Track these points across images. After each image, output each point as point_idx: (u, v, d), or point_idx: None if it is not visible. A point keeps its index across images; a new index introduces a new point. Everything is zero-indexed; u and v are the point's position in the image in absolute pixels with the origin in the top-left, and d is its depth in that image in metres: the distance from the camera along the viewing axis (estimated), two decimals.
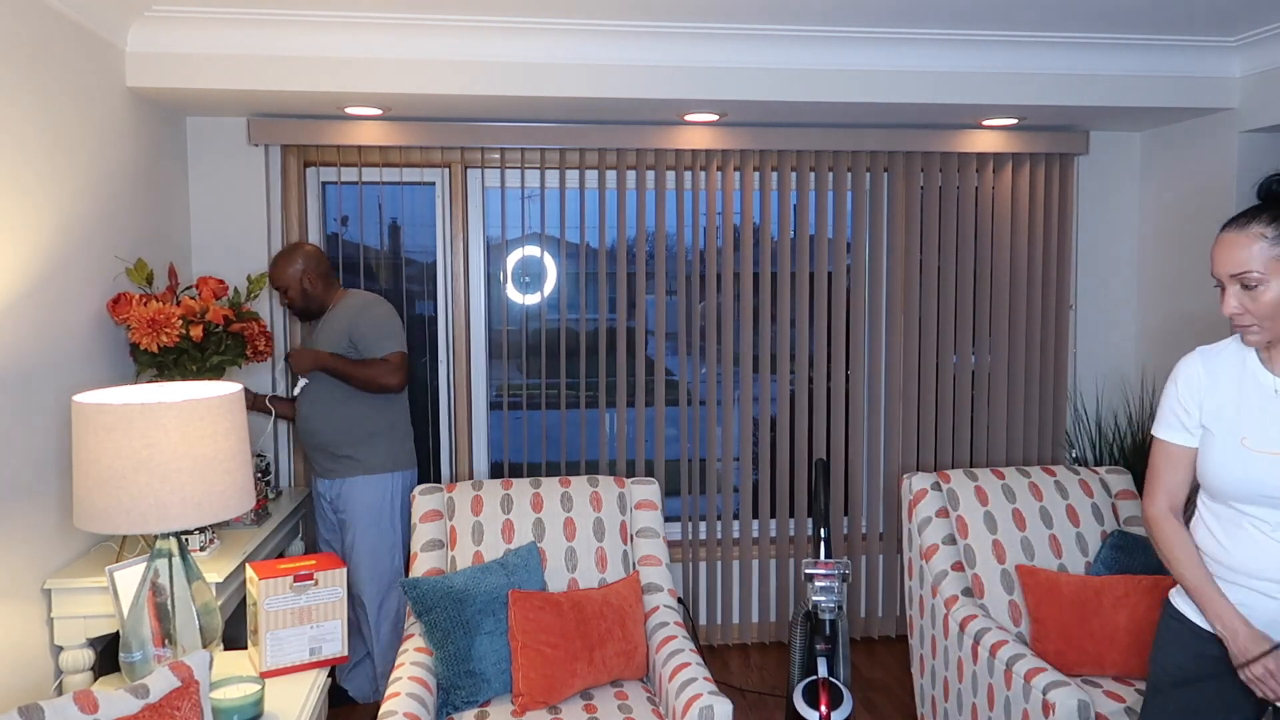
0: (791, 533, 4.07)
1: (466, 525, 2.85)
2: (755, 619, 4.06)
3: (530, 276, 3.98)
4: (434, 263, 3.91)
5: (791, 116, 3.65)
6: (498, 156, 3.79)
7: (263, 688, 2.02)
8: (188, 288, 3.09)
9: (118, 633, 2.47)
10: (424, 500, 2.90)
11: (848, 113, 3.58)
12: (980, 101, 3.43)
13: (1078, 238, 4.17)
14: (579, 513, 2.91)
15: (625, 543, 2.92)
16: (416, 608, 2.50)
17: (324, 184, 3.82)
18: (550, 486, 2.96)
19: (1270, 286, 1.68)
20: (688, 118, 3.63)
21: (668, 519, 4.04)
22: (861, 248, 4.01)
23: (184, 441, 1.86)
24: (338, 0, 2.89)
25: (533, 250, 3.99)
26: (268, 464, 3.35)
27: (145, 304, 2.77)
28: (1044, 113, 3.63)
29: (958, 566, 2.89)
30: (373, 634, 3.34)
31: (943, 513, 2.97)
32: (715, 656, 3.93)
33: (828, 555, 2.86)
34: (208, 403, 1.90)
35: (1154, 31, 3.32)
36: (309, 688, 2.19)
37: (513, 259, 3.98)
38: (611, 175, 3.88)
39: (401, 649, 2.59)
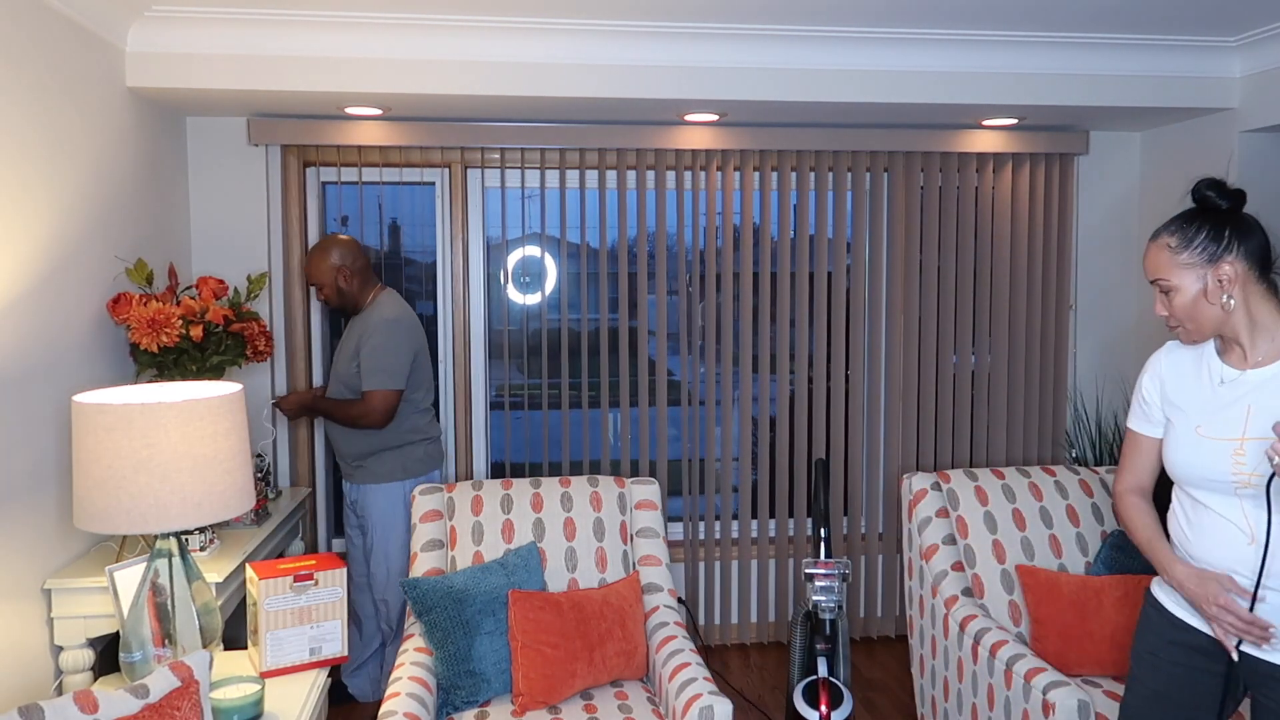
0: (791, 533, 4.07)
1: (466, 525, 2.85)
2: (755, 619, 4.06)
3: (530, 276, 3.98)
4: (434, 263, 3.91)
5: (791, 116, 3.65)
6: (498, 156, 3.79)
7: (263, 688, 2.03)
8: (188, 288, 3.09)
9: (118, 633, 2.47)
10: (424, 500, 2.90)
11: (848, 113, 3.58)
12: (980, 101, 3.43)
13: (1078, 238, 4.17)
14: (579, 513, 2.91)
15: (625, 543, 2.92)
16: (416, 608, 2.50)
17: (324, 184, 3.82)
18: (550, 486, 2.96)
19: (1180, 292, 1.80)
20: (688, 118, 3.63)
21: (668, 519, 4.04)
22: (861, 248, 4.01)
23: (184, 441, 1.86)
24: (338, 0, 2.89)
25: (533, 250, 3.99)
26: (267, 465, 3.36)
27: (145, 304, 2.77)
28: (1044, 113, 3.63)
29: (958, 566, 2.89)
30: (395, 634, 3.36)
31: (943, 513, 2.97)
32: (715, 656, 3.93)
33: (828, 555, 2.86)
34: (208, 403, 1.90)
35: (1154, 31, 3.32)
36: (309, 688, 2.19)
37: (513, 259, 3.98)
38: (611, 175, 3.88)
39: (401, 649, 2.59)
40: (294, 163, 3.68)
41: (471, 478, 3.92)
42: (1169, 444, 1.90)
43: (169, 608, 1.99)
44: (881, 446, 4.07)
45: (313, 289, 3.35)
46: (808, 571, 2.71)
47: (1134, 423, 2.00)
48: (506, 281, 3.95)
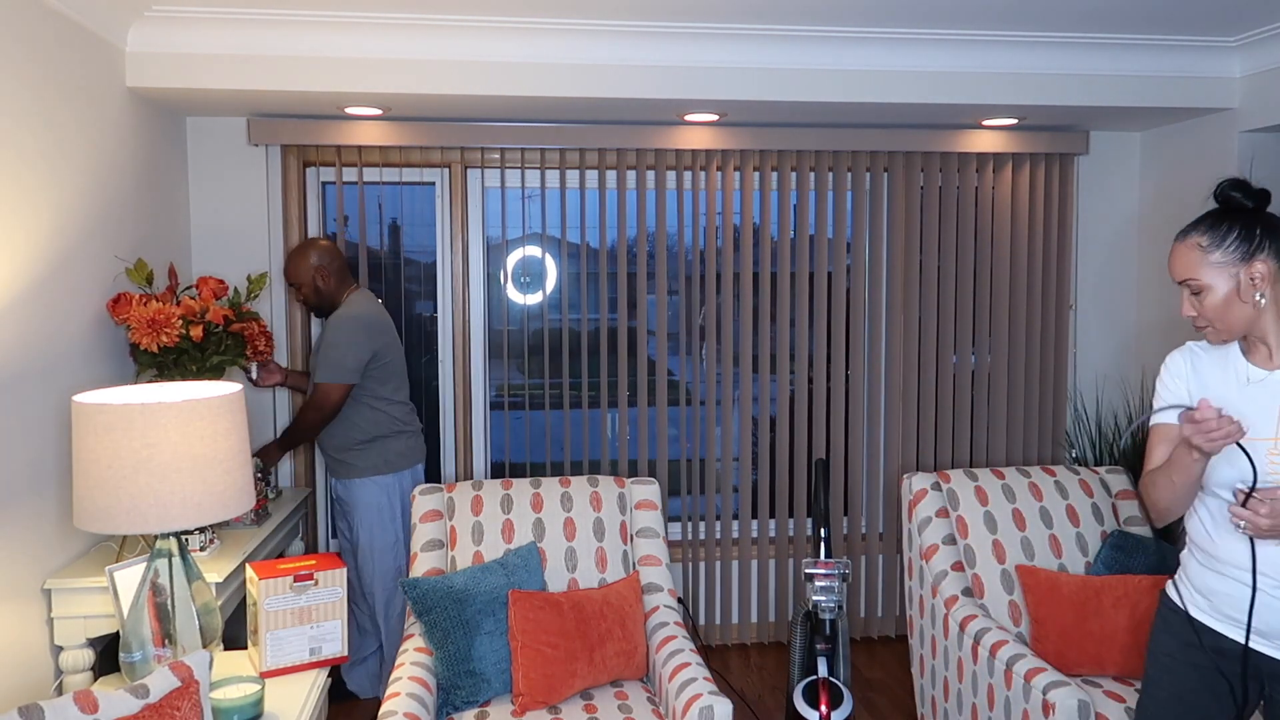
0: (791, 533, 4.07)
1: (466, 525, 2.85)
2: (755, 619, 4.06)
3: (530, 276, 3.98)
4: (434, 263, 3.91)
5: (791, 116, 3.65)
6: (498, 156, 3.79)
7: (263, 688, 2.02)
8: (188, 288, 3.09)
9: (118, 633, 2.47)
10: (424, 500, 2.90)
11: (848, 113, 3.58)
12: (980, 101, 3.43)
13: (1078, 238, 4.17)
14: (579, 513, 2.91)
15: (625, 543, 2.92)
16: (416, 608, 2.50)
17: (324, 184, 3.82)
18: (550, 486, 2.96)
19: (1212, 292, 1.79)
20: (688, 118, 3.63)
21: (668, 519, 4.04)
22: (861, 248, 4.01)
23: (184, 441, 1.86)
24: (338, 0, 2.89)
25: (533, 250, 3.99)
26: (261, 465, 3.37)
27: (145, 304, 2.77)
28: (1044, 113, 3.63)
29: (958, 566, 2.89)
30: (383, 629, 3.37)
31: (943, 513, 2.97)
32: (715, 656, 3.93)
33: (828, 555, 2.86)
34: (208, 403, 1.90)
35: (1154, 31, 3.32)
36: (309, 688, 2.19)
37: (513, 259, 3.98)
38: (611, 175, 3.88)
39: (401, 649, 2.59)
40: (294, 163, 3.68)
41: (471, 478, 3.92)
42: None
43: (169, 608, 1.99)
44: (881, 446, 4.07)
45: (294, 290, 3.37)
46: (808, 571, 2.71)
47: (1160, 416, 1.96)
48: (506, 281, 3.95)
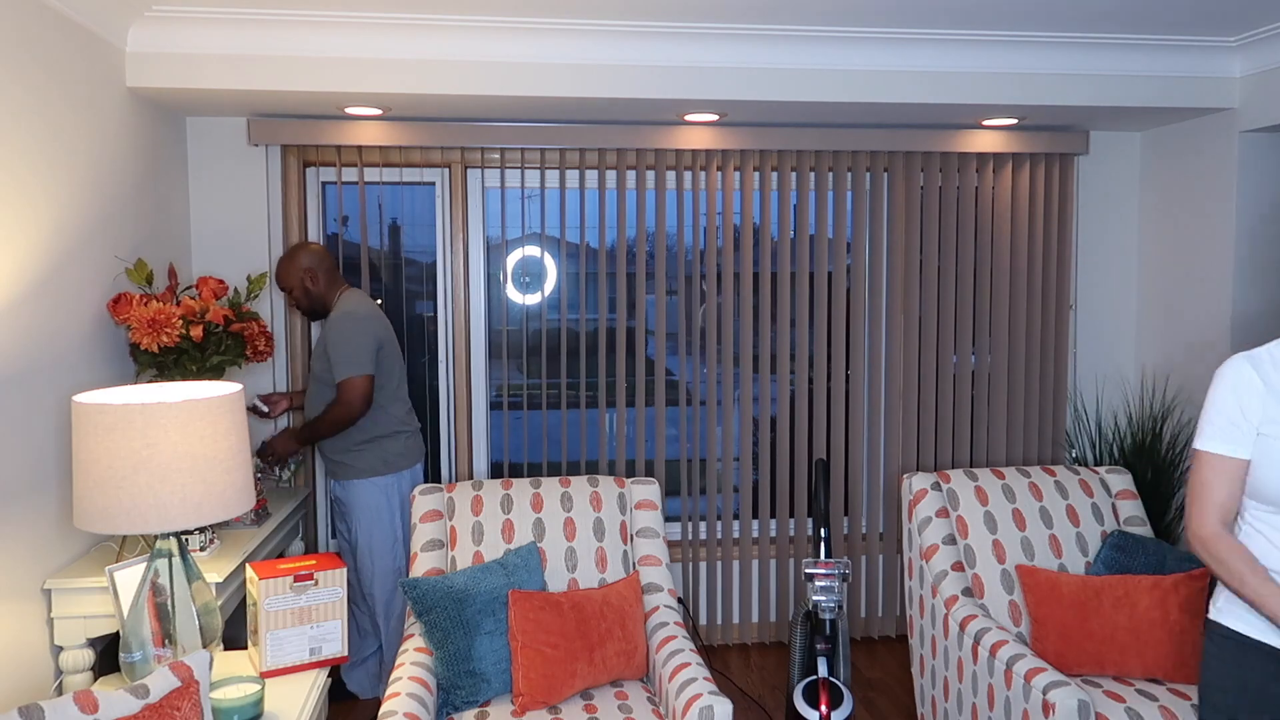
0: (791, 533, 4.07)
1: (466, 525, 2.85)
2: (755, 619, 4.06)
3: (530, 276, 3.98)
4: (434, 263, 3.91)
5: (791, 116, 3.65)
6: (498, 156, 3.79)
7: (263, 688, 2.02)
8: (188, 288, 3.09)
9: (118, 633, 2.47)
10: (424, 500, 2.90)
11: (848, 113, 3.58)
12: (980, 101, 3.43)
13: (1078, 238, 4.17)
14: (579, 513, 2.91)
15: (625, 543, 2.92)
16: (416, 608, 2.50)
17: (324, 184, 3.82)
18: (550, 486, 2.96)
19: None
20: (688, 118, 3.63)
21: (667, 519, 4.04)
22: (861, 248, 4.01)
23: (184, 441, 1.86)
24: (338, 0, 2.89)
25: (533, 250, 3.99)
26: (261, 465, 3.38)
27: (145, 304, 2.77)
28: (1044, 113, 3.63)
29: (958, 566, 2.89)
30: (383, 629, 3.37)
31: (943, 513, 2.97)
32: (715, 656, 3.93)
33: (828, 555, 2.86)
34: (208, 403, 1.90)
35: (1154, 31, 3.32)
36: (309, 688, 2.19)
37: (513, 259, 3.98)
38: (611, 175, 3.88)
39: (401, 649, 2.59)
40: (294, 163, 3.68)
41: (471, 478, 3.92)
42: (1268, 462, 1.72)
43: (169, 608, 1.99)
44: (881, 446, 4.07)
45: (286, 295, 3.38)
46: (808, 571, 2.71)
47: (1220, 445, 1.77)
48: (506, 281, 3.95)
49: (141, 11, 2.92)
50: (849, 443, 4.07)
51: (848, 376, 4.07)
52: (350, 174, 3.77)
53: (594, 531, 2.89)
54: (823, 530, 2.89)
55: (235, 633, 3.42)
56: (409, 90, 3.16)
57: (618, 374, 3.91)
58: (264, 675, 2.22)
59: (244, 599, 3.06)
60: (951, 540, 2.93)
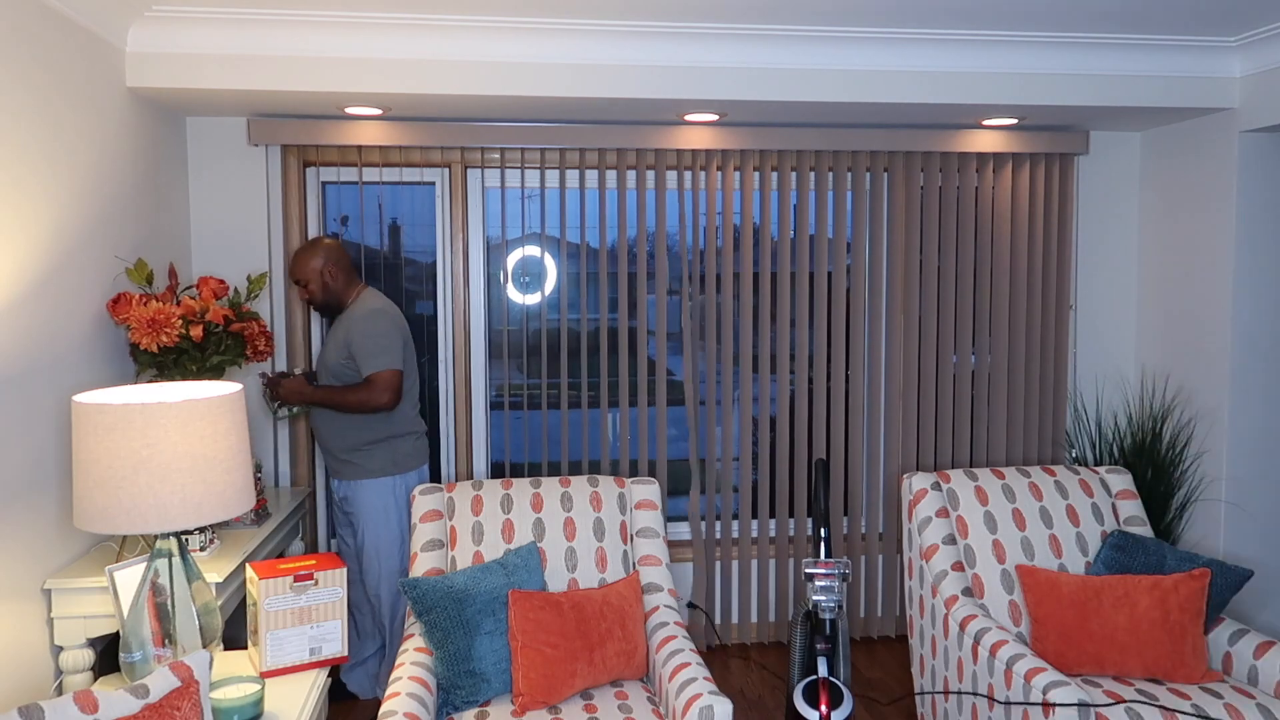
0: (791, 533, 4.07)
1: (466, 525, 2.85)
2: (755, 619, 4.06)
3: (530, 276, 3.98)
4: (434, 263, 3.91)
5: (791, 116, 3.65)
6: (498, 156, 3.79)
7: (263, 688, 2.03)
8: (188, 288, 3.09)
9: (118, 633, 2.47)
10: (424, 500, 2.90)
11: (848, 113, 3.58)
12: (980, 101, 3.43)
13: (1078, 238, 4.17)
14: (579, 513, 2.91)
15: (625, 543, 2.92)
16: (416, 608, 2.50)
17: (324, 184, 3.82)
18: (550, 486, 2.96)
19: None
20: (688, 118, 3.63)
21: (670, 519, 4.04)
22: (861, 248, 4.01)
23: (184, 441, 1.86)
24: (338, 0, 2.89)
25: (533, 250, 3.99)
26: (259, 464, 3.37)
27: (145, 304, 2.77)
28: (1044, 113, 3.63)
29: (958, 566, 2.89)
30: (388, 630, 3.37)
31: (943, 513, 2.97)
32: (715, 656, 3.93)
33: (828, 555, 2.86)
34: (208, 403, 1.90)
35: (1154, 31, 3.32)
36: (309, 688, 2.19)
37: (513, 259, 3.98)
38: (611, 175, 3.88)
39: (401, 649, 2.59)
40: (294, 163, 3.68)
41: (471, 478, 3.92)
42: None
43: (169, 608, 1.99)
44: (881, 446, 4.07)
45: (298, 288, 3.36)
46: (808, 571, 2.71)
47: None
48: (506, 281, 3.95)
49: (141, 11, 2.92)
50: (849, 443, 4.07)
51: (848, 376, 4.07)
52: (350, 174, 3.78)
53: (594, 531, 2.89)
54: (823, 530, 2.89)
55: (235, 633, 3.42)
56: (409, 90, 3.16)
57: (618, 374, 3.90)
58: (264, 675, 2.22)
59: (244, 599, 3.06)
60: (951, 540, 2.93)
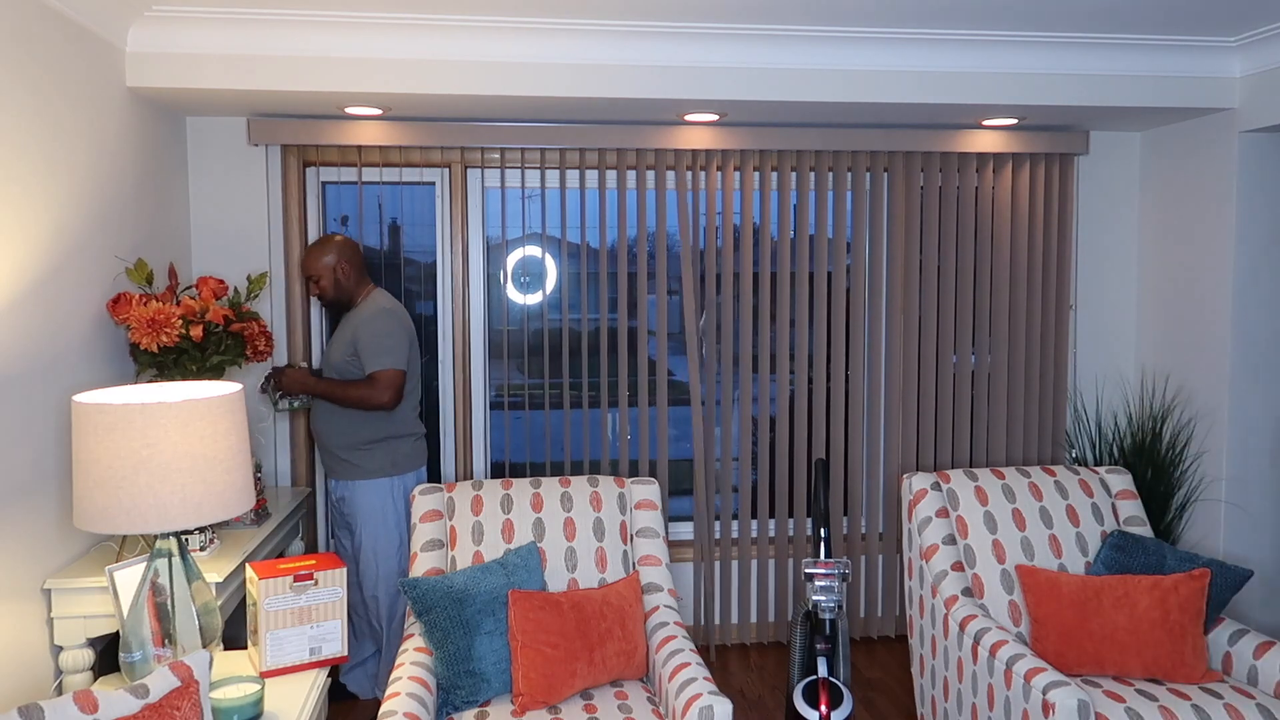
0: (791, 533, 4.07)
1: (466, 525, 2.85)
2: (755, 619, 4.06)
3: (530, 276, 3.98)
4: (434, 263, 3.91)
5: (791, 116, 3.65)
6: (498, 156, 3.79)
7: (263, 688, 2.03)
8: (188, 288, 3.09)
9: (118, 633, 2.47)
10: (424, 500, 2.90)
11: (848, 113, 3.58)
12: (980, 101, 3.43)
13: (1078, 238, 4.17)
14: (579, 513, 2.91)
15: (625, 543, 2.92)
16: (416, 608, 2.50)
17: (324, 184, 3.82)
18: (550, 486, 2.96)
19: None
20: (688, 118, 3.63)
21: (669, 519, 4.04)
22: (861, 248, 4.01)
23: (184, 441, 1.86)
24: (338, 0, 2.89)
25: (533, 250, 3.99)
26: (259, 464, 3.37)
27: (145, 304, 2.77)
28: (1044, 113, 3.63)
29: (958, 566, 2.89)
30: (385, 631, 3.37)
31: (943, 513, 2.97)
32: (715, 656, 3.93)
33: (828, 555, 2.86)
34: (208, 403, 1.90)
35: (1154, 31, 3.32)
36: (309, 688, 2.19)
37: (513, 259, 3.98)
38: (611, 175, 3.88)
39: (401, 649, 2.59)
40: (294, 163, 3.68)
41: (471, 478, 3.92)
42: None
43: (169, 608, 1.99)
44: (881, 446, 4.07)
45: (309, 283, 3.36)
46: (808, 571, 2.71)
47: None
48: (506, 281, 3.95)
49: (141, 11, 2.92)
50: (849, 443, 4.07)
51: (848, 376, 4.07)
52: (350, 174, 3.78)
53: (594, 531, 2.89)
54: (823, 530, 2.89)
55: (235, 633, 3.42)
56: (409, 90, 3.16)
57: (618, 374, 3.91)
58: (264, 675, 2.22)
59: (244, 599, 3.06)
60: (951, 540, 2.93)
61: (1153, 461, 3.84)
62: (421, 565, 2.79)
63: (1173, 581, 2.65)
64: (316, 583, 2.28)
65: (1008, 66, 3.41)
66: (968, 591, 2.85)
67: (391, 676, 2.41)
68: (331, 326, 3.82)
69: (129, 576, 2.15)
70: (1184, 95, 3.52)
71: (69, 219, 2.59)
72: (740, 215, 3.90)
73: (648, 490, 3.00)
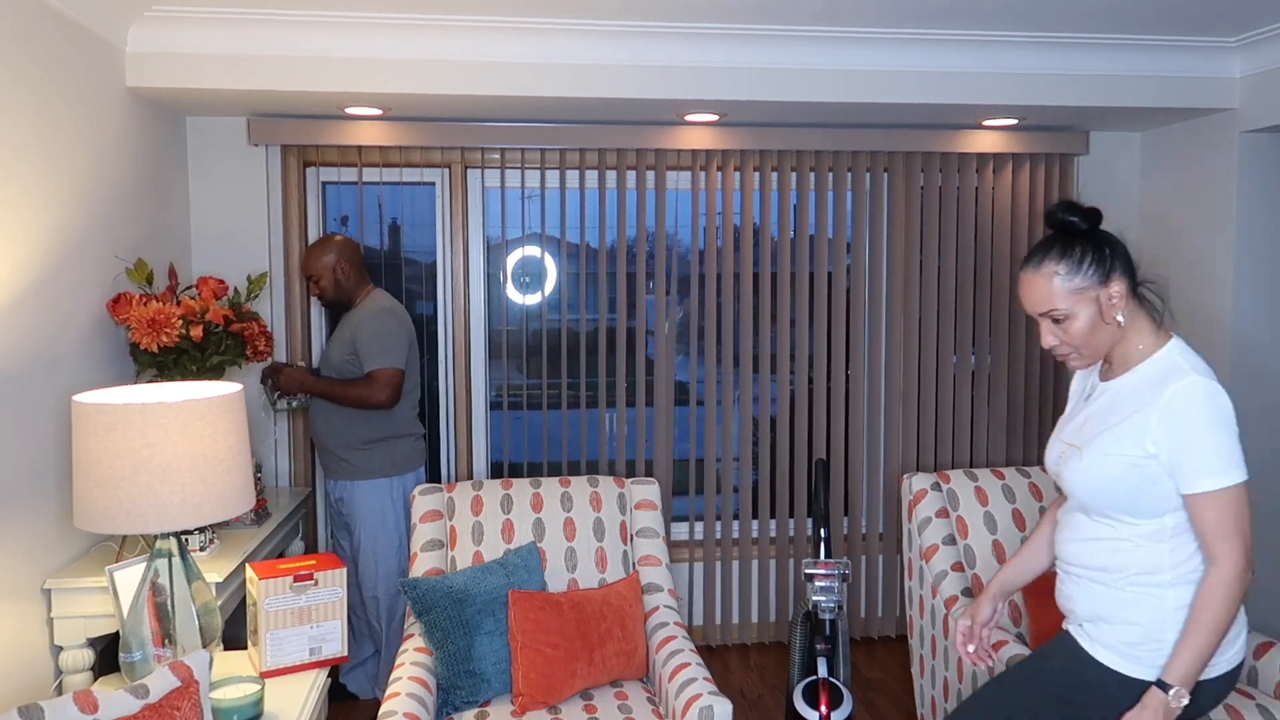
0: (791, 533, 4.07)
1: (466, 525, 2.85)
2: (755, 619, 4.06)
3: (530, 276, 3.98)
4: (434, 263, 3.91)
5: (791, 116, 3.65)
6: (498, 156, 3.79)
7: (263, 688, 2.03)
8: (188, 288, 3.09)
9: (118, 633, 2.47)
10: (424, 500, 2.90)
11: (848, 113, 3.58)
12: (980, 101, 3.43)
13: None
14: (579, 513, 2.91)
15: (625, 543, 2.92)
16: (416, 608, 2.50)
17: (324, 184, 3.82)
18: (550, 486, 2.96)
19: (1078, 318, 1.79)
20: (688, 118, 3.63)
21: (672, 518, 4.04)
22: (861, 248, 4.01)
23: (184, 441, 1.86)
24: (338, 0, 2.89)
25: (533, 250, 3.99)
26: (259, 464, 3.37)
27: (145, 304, 2.77)
28: (1044, 113, 3.63)
29: (958, 567, 2.89)
30: (384, 632, 3.37)
31: (943, 513, 2.97)
32: (715, 656, 3.93)
33: (828, 555, 2.86)
34: (208, 403, 1.90)
35: (1154, 31, 3.32)
36: (309, 688, 2.19)
37: (513, 259, 3.98)
38: (611, 175, 3.88)
39: (401, 649, 2.59)
40: (294, 163, 3.68)
41: (471, 478, 3.92)
42: (1048, 448, 2.03)
43: (169, 608, 1.99)
44: (881, 446, 4.07)
45: (309, 283, 3.36)
46: (808, 571, 2.71)
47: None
48: (506, 281, 3.95)
49: (141, 11, 2.92)
50: (849, 443, 4.07)
51: (848, 376, 4.07)
52: (350, 174, 3.77)
53: (594, 531, 2.89)
54: (823, 530, 2.89)
55: (235, 633, 3.42)
56: (409, 90, 3.16)
57: (618, 374, 3.91)
58: (264, 675, 2.22)
59: (244, 599, 3.06)
60: (951, 540, 2.93)
61: None
62: (421, 565, 2.79)
63: None
64: (316, 583, 2.28)
65: (1008, 66, 3.41)
66: (968, 592, 2.85)
67: (391, 676, 2.41)
68: (331, 326, 3.82)
69: (129, 576, 2.15)
70: (1184, 95, 3.52)
71: (69, 219, 2.59)
72: (740, 215, 3.90)
73: (648, 490, 3.00)
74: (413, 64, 3.15)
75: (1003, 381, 4.08)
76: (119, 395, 2.01)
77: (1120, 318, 1.79)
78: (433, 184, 3.88)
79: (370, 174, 3.77)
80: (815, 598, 2.68)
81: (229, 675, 2.12)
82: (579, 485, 2.97)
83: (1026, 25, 3.21)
